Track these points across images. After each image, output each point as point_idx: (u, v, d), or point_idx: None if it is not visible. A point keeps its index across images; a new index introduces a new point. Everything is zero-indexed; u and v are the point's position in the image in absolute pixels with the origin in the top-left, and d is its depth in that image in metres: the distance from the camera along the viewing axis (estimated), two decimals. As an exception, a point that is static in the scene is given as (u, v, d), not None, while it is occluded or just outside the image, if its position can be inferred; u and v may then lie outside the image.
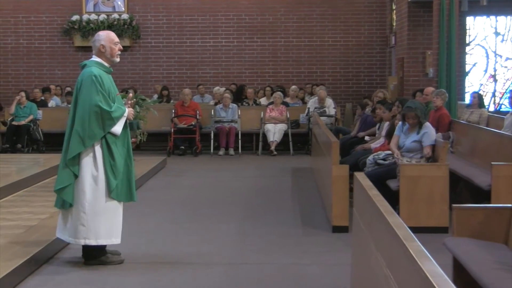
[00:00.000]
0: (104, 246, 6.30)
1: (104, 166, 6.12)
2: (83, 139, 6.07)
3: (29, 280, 5.83)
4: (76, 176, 6.11)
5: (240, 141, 15.00)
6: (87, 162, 6.13)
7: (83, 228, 6.12)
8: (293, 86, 16.96)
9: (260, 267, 6.31)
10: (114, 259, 6.34)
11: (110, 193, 6.13)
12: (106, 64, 6.30)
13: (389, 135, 9.22)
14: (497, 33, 17.02)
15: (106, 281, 5.86)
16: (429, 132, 8.18)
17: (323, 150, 9.42)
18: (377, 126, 10.62)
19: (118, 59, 6.34)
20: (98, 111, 6.06)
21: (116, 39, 6.33)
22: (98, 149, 6.14)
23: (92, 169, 6.13)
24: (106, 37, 6.27)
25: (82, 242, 6.18)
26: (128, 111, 6.26)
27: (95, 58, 6.31)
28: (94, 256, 6.27)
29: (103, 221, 6.14)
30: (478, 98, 12.28)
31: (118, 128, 6.16)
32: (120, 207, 6.29)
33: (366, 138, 10.69)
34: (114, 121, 6.12)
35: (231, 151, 14.90)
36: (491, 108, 16.72)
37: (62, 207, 6.19)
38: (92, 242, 6.16)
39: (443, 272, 2.68)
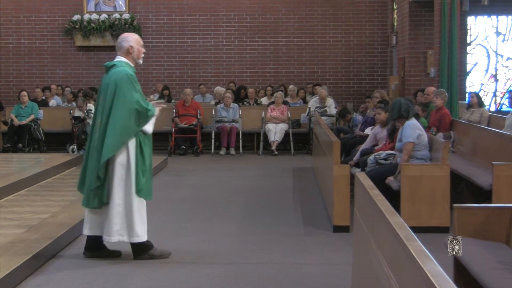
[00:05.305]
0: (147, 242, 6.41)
1: (136, 166, 6.23)
2: (122, 135, 6.18)
3: (30, 279, 5.84)
4: (101, 179, 6.20)
5: (241, 140, 15.01)
6: (120, 161, 6.23)
7: (118, 226, 6.24)
8: (291, 86, 16.98)
9: (261, 266, 6.31)
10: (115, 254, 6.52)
11: (139, 192, 6.24)
12: (132, 65, 6.46)
13: (391, 135, 9.22)
14: (498, 33, 17.00)
15: (107, 280, 5.86)
16: (405, 128, 8.06)
17: (324, 149, 9.42)
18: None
19: (141, 61, 6.60)
20: (138, 108, 6.21)
21: (142, 42, 6.61)
22: (132, 148, 6.24)
23: (125, 168, 6.23)
24: (135, 39, 6.51)
25: (115, 239, 6.29)
26: (157, 111, 6.42)
27: (122, 58, 6.45)
28: (144, 250, 6.39)
29: (136, 218, 6.25)
30: (476, 97, 12.28)
31: (150, 128, 6.33)
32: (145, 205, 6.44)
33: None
34: (148, 120, 6.29)
35: (232, 151, 14.90)
36: (492, 108, 16.70)
37: (95, 205, 6.26)
38: (125, 238, 6.30)
39: (444, 272, 2.68)
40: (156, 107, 6.45)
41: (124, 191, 6.24)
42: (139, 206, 6.29)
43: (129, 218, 6.25)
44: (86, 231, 6.40)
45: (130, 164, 6.22)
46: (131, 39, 6.47)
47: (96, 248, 6.45)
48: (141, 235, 6.31)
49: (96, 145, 6.25)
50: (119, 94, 6.23)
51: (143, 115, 6.26)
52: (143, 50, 6.54)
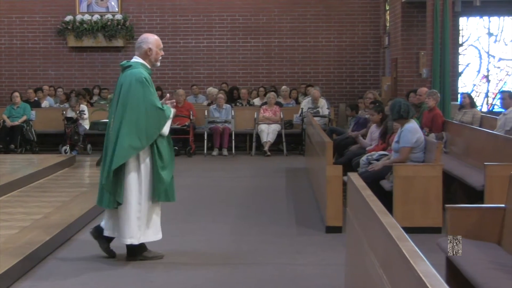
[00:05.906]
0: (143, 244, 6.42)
1: (154, 169, 6.20)
2: (140, 138, 6.12)
3: (23, 281, 5.82)
4: (109, 179, 6.15)
5: (234, 141, 15.01)
6: (134, 164, 6.18)
7: (129, 228, 6.21)
8: (284, 86, 17.00)
9: (254, 266, 6.31)
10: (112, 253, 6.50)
11: (159, 198, 6.26)
12: (149, 66, 6.39)
13: (383, 135, 9.24)
14: (490, 34, 17.06)
15: (101, 281, 5.85)
16: (405, 132, 8.02)
17: (317, 150, 9.43)
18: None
19: (159, 64, 6.52)
20: (154, 111, 6.16)
21: (162, 45, 6.50)
22: (146, 152, 6.20)
23: (137, 170, 6.19)
24: (155, 41, 6.43)
25: (127, 241, 6.28)
26: (172, 112, 6.39)
27: (138, 60, 6.39)
28: (140, 251, 6.39)
29: (146, 220, 6.27)
30: (469, 98, 12.31)
31: (166, 129, 6.28)
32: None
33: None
34: (166, 121, 6.25)
35: (225, 152, 14.91)
36: (484, 109, 16.76)
37: (107, 205, 6.25)
38: (134, 241, 6.27)
39: (436, 272, 2.69)
40: (170, 106, 6.42)
41: (138, 194, 6.20)
42: (153, 208, 6.31)
43: (141, 220, 6.23)
44: (105, 231, 6.38)
45: (141, 167, 6.18)
46: (150, 40, 6.40)
47: (104, 240, 6.42)
48: (146, 236, 6.32)
49: (109, 144, 6.23)
50: (133, 97, 6.17)
51: (162, 117, 6.20)
52: (161, 53, 6.46)
